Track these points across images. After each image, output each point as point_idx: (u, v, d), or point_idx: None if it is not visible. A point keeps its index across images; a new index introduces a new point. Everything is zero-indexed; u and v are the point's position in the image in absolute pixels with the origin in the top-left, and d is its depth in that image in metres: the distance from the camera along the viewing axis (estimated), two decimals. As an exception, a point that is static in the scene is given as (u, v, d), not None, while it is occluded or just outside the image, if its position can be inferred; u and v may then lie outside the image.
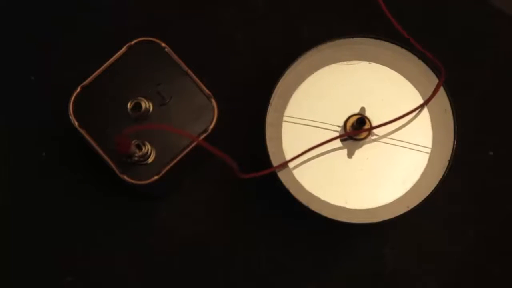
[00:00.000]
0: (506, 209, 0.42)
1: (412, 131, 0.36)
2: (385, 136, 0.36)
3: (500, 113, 0.44)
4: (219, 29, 0.44)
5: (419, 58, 0.36)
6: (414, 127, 0.36)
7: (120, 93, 0.35)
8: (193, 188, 0.42)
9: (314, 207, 0.35)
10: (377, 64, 0.36)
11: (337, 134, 0.36)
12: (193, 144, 0.35)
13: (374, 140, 0.36)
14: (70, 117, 0.35)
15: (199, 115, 0.36)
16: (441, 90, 0.36)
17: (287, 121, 0.36)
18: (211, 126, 0.36)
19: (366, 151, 0.36)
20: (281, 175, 0.35)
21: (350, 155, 0.36)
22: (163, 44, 0.36)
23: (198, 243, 0.42)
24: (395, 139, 0.36)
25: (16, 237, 0.41)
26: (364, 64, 0.36)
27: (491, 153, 0.43)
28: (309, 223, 0.41)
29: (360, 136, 0.35)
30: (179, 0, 0.44)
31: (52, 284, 0.41)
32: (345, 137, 0.35)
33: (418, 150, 0.36)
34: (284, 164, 0.35)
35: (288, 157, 0.35)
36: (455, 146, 0.35)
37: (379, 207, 0.35)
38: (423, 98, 0.36)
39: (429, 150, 0.36)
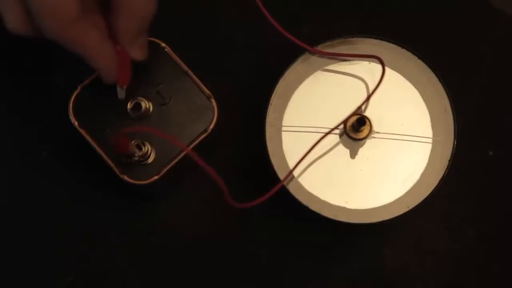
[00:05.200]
0: (506, 209, 0.42)
1: (412, 131, 0.36)
2: (385, 136, 0.35)
3: (500, 113, 0.44)
4: (219, 29, 0.44)
5: (419, 58, 0.36)
6: (414, 127, 0.36)
7: (120, 93, 0.35)
8: (193, 188, 0.42)
9: (314, 207, 0.35)
10: (377, 64, 0.36)
11: (336, 133, 0.35)
12: (191, 146, 0.35)
13: (374, 140, 0.35)
14: (70, 117, 0.35)
15: (199, 115, 0.36)
16: (441, 90, 0.36)
17: (287, 123, 0.36)
18: (211, 126, 0.35)
19: (366, 151, 0.35)
20: (281, 175, 0.35)
21: (350, 155, 0.35)
22: (163, 44, 0.36)
23: (198, 243, 0.42)
24: (395, 139, 0.36)
25: (16, 237, 0.41)
26: (364, 64, 0.36)
27: (491, 153, 0.43)
28: (309, 223, 0.41)
29: (360, 135, 0.35)
30: (179, 0, 0.44)
31: (52, 284, 0.41)
32: (342, 132, 0.35)
33: (418, 150, 0.36)
34: (288, 177, 0.35)
35: (288, 157, 0.35)
36: (455, 146, 0.35)
37: (379, 207, 0.35)
38: (423, 98, 0.36)
39: (429, 150, 0.36)
